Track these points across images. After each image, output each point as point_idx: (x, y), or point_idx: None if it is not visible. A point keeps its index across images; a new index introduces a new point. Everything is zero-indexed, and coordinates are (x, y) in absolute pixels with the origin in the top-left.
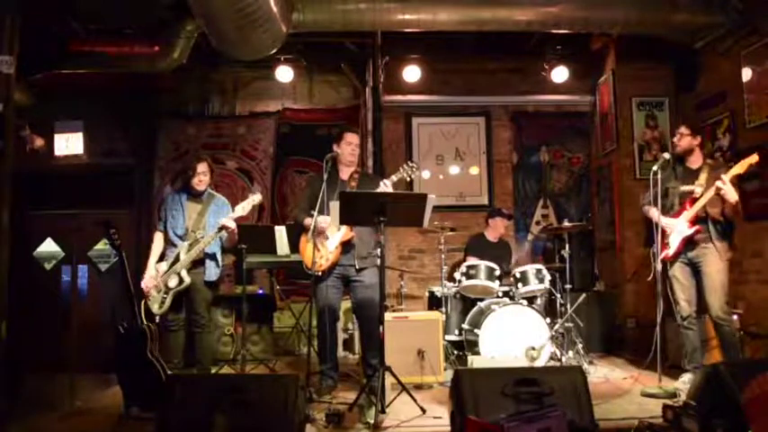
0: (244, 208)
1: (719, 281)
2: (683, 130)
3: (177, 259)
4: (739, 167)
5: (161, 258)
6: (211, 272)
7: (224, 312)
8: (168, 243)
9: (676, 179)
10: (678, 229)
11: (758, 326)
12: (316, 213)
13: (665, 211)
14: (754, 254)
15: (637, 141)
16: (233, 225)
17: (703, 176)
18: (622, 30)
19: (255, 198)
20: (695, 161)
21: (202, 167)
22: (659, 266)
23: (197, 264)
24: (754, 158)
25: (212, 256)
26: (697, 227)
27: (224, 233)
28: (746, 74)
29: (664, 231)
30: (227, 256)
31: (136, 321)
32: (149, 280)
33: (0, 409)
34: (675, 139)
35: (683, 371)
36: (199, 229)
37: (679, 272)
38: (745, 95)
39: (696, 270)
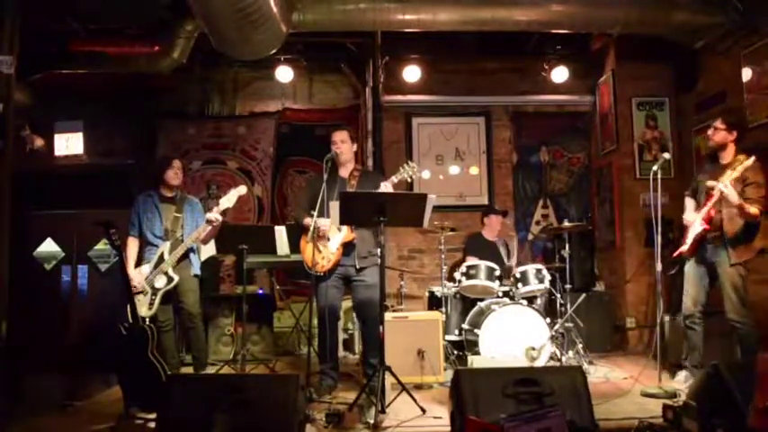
0: (229, 200)
1: (730, 283)
2: (719, 124)
3: (161, 259)
4: (737, 171)
5: (138, 262)
6: (196, 265)
7: (224, 312)
8: (146, 245)
9: (704, 173)
10: (694, 225)
11: (758, 326)
12: (315, 214)
13: (698, 206)
14: None
15: (637, 141)
16: (220, 219)
17: (728, 173)
18: (622, 30)
19: (240, 189)
20: (727, 156)
21: (177, 163)
22: (659, 267)
23: (181, 259)
24: (748, 163)
25: (193, 249)
26: (705, 226)
27: (208, 227)
28: (746, 74)
29: (685, 227)
30: (228, 256)
31: (136, 321)
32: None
33: (0, 409)
34: (710, 133)
35: (680, 368)
36: (177, 228)
37: (692, 269)
38: (745, 95)
39: (712, 270)
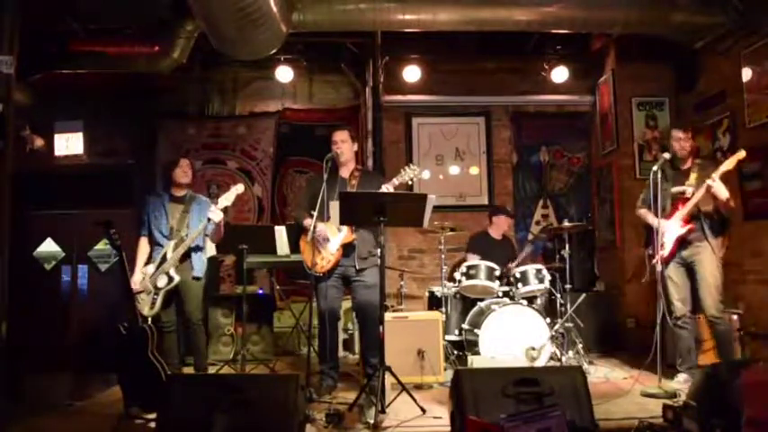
0: (228, 198)
1: (714, 280)
2: (687, 133)
3: (164, 259)
4: (728, 164)
5: (148, 261)
6: (198, 266)
7: (224, 312)
8: (154, 244)
9: (667, 181)
10: (672, 229)
11: (758, 326)
12: (315, 215)
13: (658, 213)
14: (754, 254)
15: (637, 141)
16: (218, 217)
17: (693, 176)
18: (622, 30)
19: (238, 188)
20: (686, 162)
21: (185, 161)
22: (659, 267)
23: (183, 259)
24: (741, 155)
25: (196, 249)
26: (690, 225)
27: (210, 226)
28: (746, 74)
29: (660, 233)
30: (228, 256)
31: (136, 321)
32: (137, 284)
33: (0, 409)
34: (681, 144)
35: (678, 371)
36: (183, 227)
37: (673, 272)
38: (745, 95)
39: (690, 269)
